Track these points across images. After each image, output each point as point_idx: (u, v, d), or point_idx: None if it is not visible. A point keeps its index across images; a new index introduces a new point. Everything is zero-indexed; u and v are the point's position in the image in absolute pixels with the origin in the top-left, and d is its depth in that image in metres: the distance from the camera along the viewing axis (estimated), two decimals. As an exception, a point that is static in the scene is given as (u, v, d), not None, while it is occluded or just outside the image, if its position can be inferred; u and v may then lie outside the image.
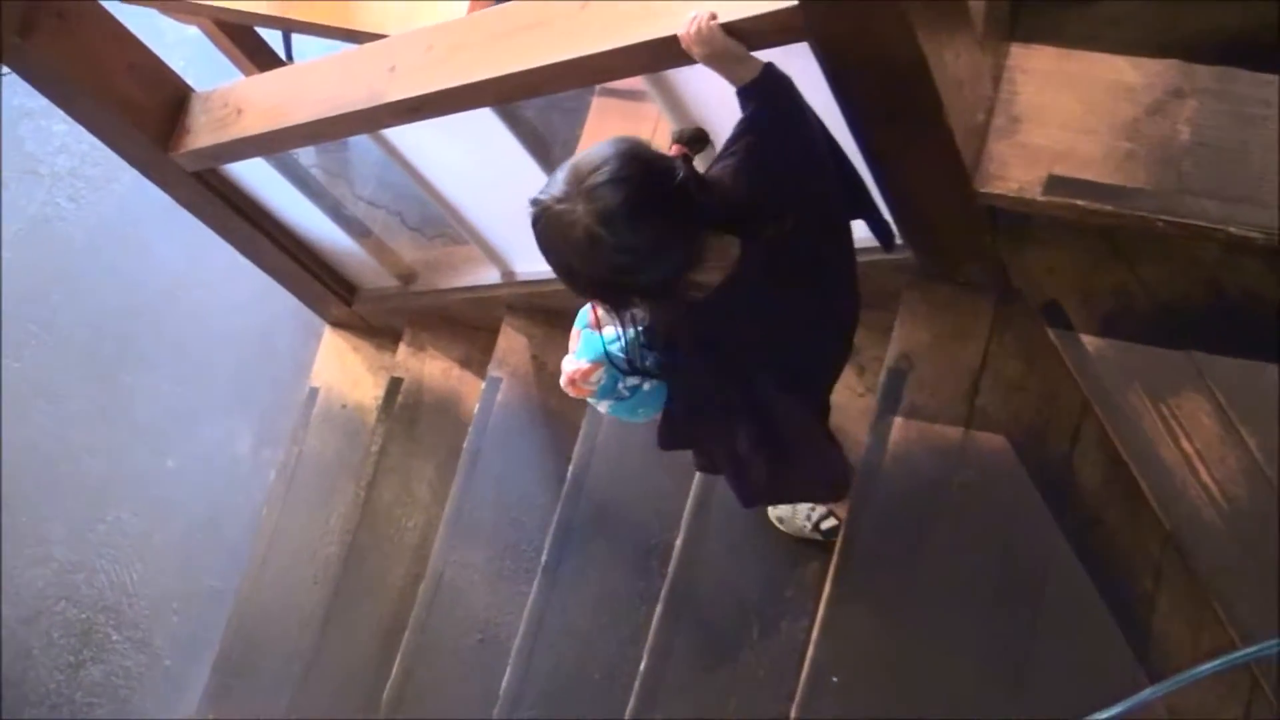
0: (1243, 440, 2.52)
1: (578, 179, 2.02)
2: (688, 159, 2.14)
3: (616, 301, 2.19)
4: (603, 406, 2.64)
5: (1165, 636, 2.69)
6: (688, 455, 2.97)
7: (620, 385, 2.55)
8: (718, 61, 2.26)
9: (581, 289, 2.17)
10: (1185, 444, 2.56)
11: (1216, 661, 1.38)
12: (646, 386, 2.57)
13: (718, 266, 2.18)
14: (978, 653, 2.81)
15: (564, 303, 3.71)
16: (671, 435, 2.75)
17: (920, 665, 2.74)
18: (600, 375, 2.52)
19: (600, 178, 2.00)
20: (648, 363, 2.42)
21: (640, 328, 2.31)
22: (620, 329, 2.35)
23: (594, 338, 2.49)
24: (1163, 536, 2.68)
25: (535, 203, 2.08)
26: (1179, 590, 2.68)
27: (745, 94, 2.27)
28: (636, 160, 2.04)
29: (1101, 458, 2.81)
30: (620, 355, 2.44)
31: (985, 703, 2.76)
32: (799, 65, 2.26)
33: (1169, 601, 2.69)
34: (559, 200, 2.02)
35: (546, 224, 2.06)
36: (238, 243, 3.98)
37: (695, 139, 2.18)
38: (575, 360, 2.55)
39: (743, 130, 2.25)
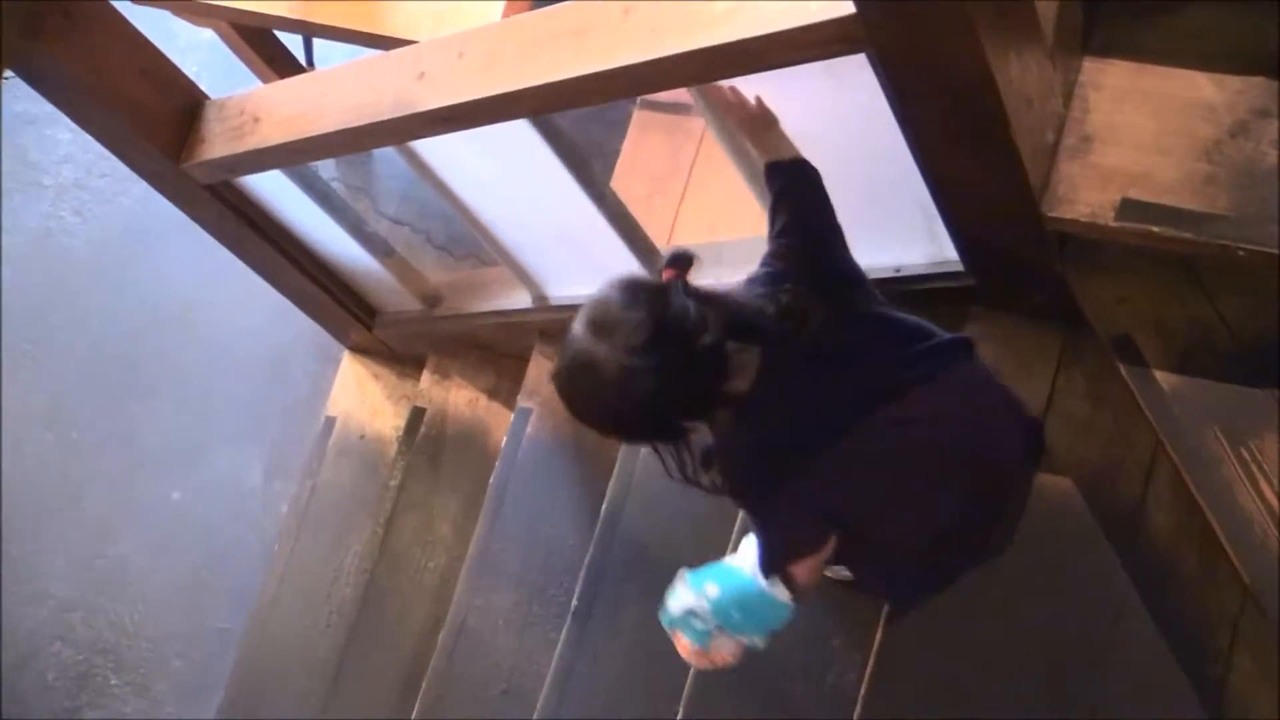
0: (1328, 488, 2.51)
1: (593, 324, 2.17)
2: (680, 279, 2.26)
3: (669, 433, 2.31)
4: (748, 639, 2.57)
5: (1242, 698, 2.68)
6: (728, 501, 3.00)
7: (721, 616, 2.53)
8: (754, 130, 2.50)
9: (633, 432, 2.40)
10: (1267, 491, 2.55)
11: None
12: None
13: (744, 374, 2.28)
14: (1040, 712, 2.80)
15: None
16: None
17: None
18: (699, 623, 2.52)
19: (614, 313, 2.16)
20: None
21: (705, 454, 2.39)
22: (680, 466, 2.39)
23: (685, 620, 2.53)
24: (1241, 590, 2.67)
25: (559, 372, 2.23)
26: (1258, 648, 2.67)
27: (777, 169, 2.52)
28: (638, 289, 2.20)
29: (1175, 504, 2.80)
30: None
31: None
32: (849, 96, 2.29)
33: (1248, 660, 2.68)
34: (581, 352, 2.16)
35: (577, 376, 2.20)
36: (252, 261, 4.01)
37: (682, 259, 2.30)
38: (683, 640, 2.57)
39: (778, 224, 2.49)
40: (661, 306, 2.17)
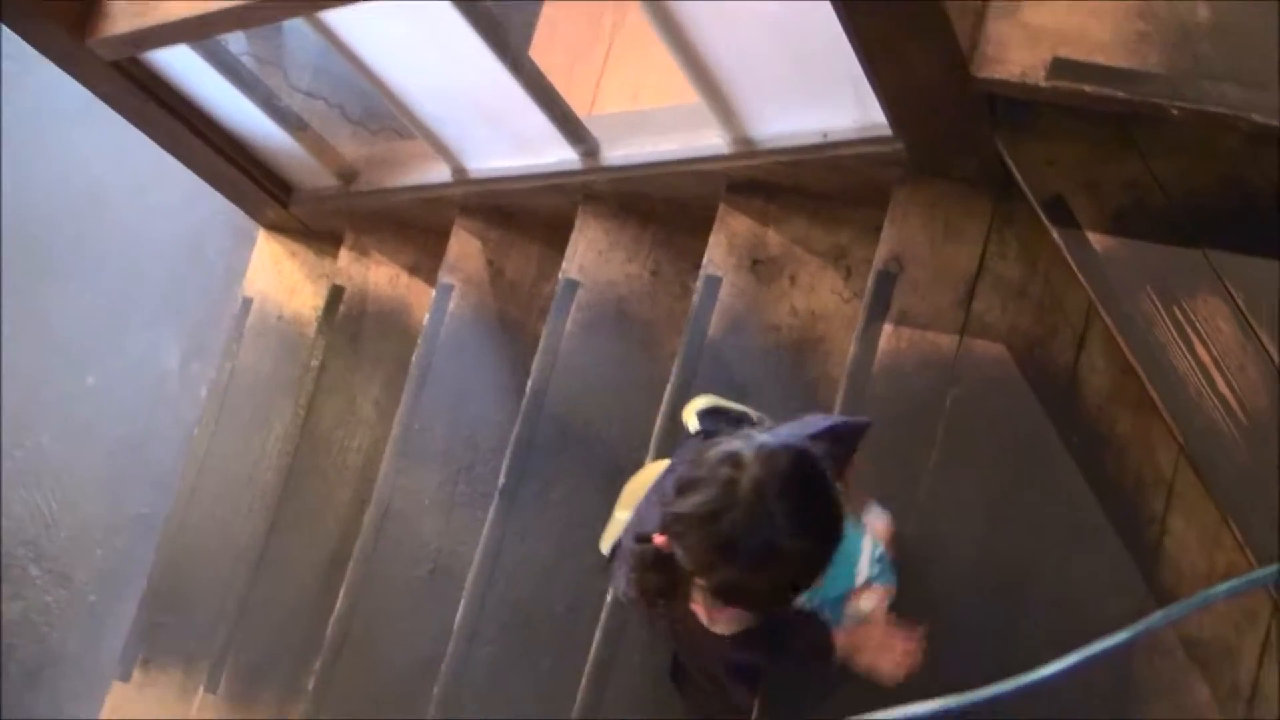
0: (1263, 347, 2.49)
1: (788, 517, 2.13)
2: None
3: None
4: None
5: (1177, 559, 2.68)
6: (657, 373, 3.01)
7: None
8: None
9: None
10: (1201, 351, 2.54)
11: (1231, 583, 1.36)
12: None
13: None
14: (973, 573, 2.80)
15: (522, 202, 3.69)
16: None
17: (911, 584, 2.73)
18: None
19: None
20: None
21: None
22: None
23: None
24: (1175, 452, 2.66)
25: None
26: (1192, 510, 2.67)
27: None
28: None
29: (1109, 367, 2.79)
30: None
31: (984, 625, 2.75)
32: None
33: (1182, 521, 2.69)
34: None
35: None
36: (162, 139, 3.91)
37: None
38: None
39: None
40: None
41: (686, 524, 2.15)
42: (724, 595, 2.26)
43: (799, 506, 2.12)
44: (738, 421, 2.86)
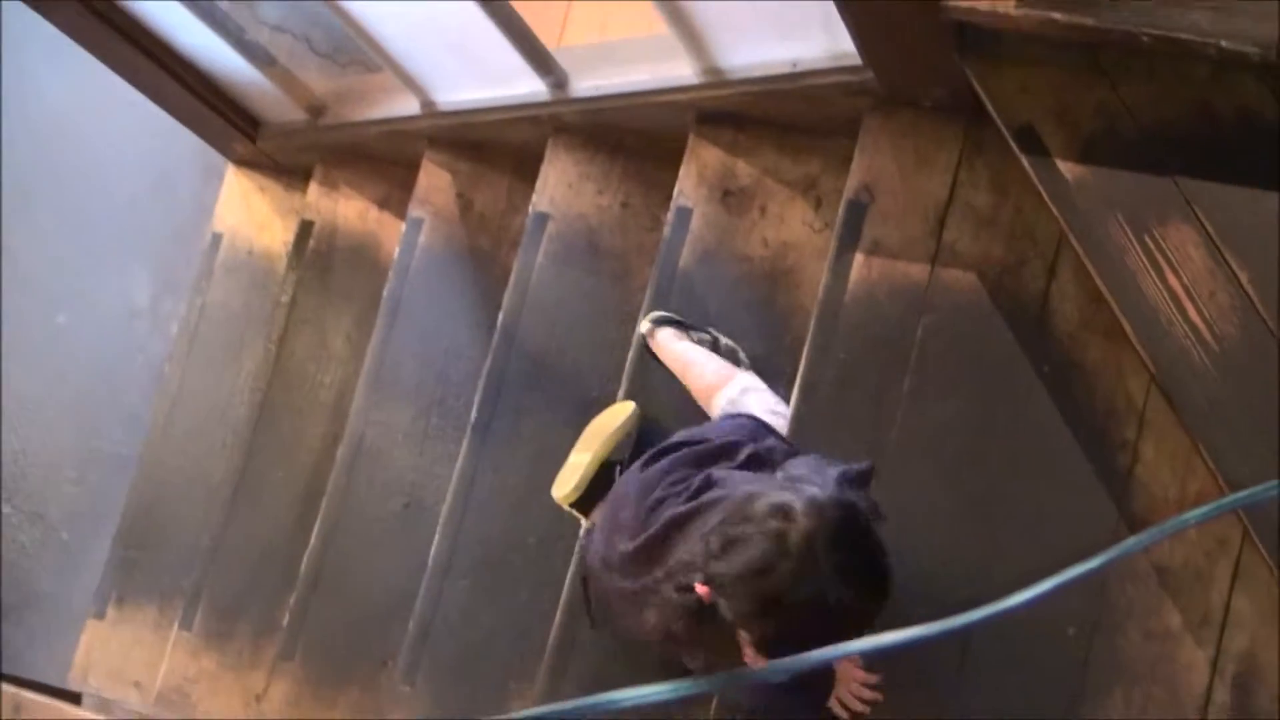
0: (1234, 274, 2.49)
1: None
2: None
3: None
4: None
5: (1148, 487, 2.69)
6: (629, 304, 3.03)
7: None
8: None
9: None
10: (1171, 279, 2.53)
11: (1202, 509, 1.35)
12: None
13: None
14: (946, 504, 2.80)
15: (492, 135, 3.67)
16: None
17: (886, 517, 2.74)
18: None
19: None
20: None
21: None
22: None
23: None
24: (1146, 380, 2.67)
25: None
26: (1163, 437, 2.67)
27: None
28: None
29: (1080, 295, 2.79)
30: None
31: (956, 554, 2.76)
32: None
33: (1153, 449, 2.69)
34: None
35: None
36: (127, 74, 3.88)
37: None
38: None
39: None
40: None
41: (735, 581, 2.14)
42: (769, 648, 2.23)
43: (849, 560, 2.12)
44: (687, 328, 2.98)
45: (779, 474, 2.43)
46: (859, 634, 2.19)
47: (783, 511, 2.11)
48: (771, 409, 2.97)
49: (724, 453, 2.63)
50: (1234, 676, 2.61)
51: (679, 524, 2.45)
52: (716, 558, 2.17)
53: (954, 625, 1.31)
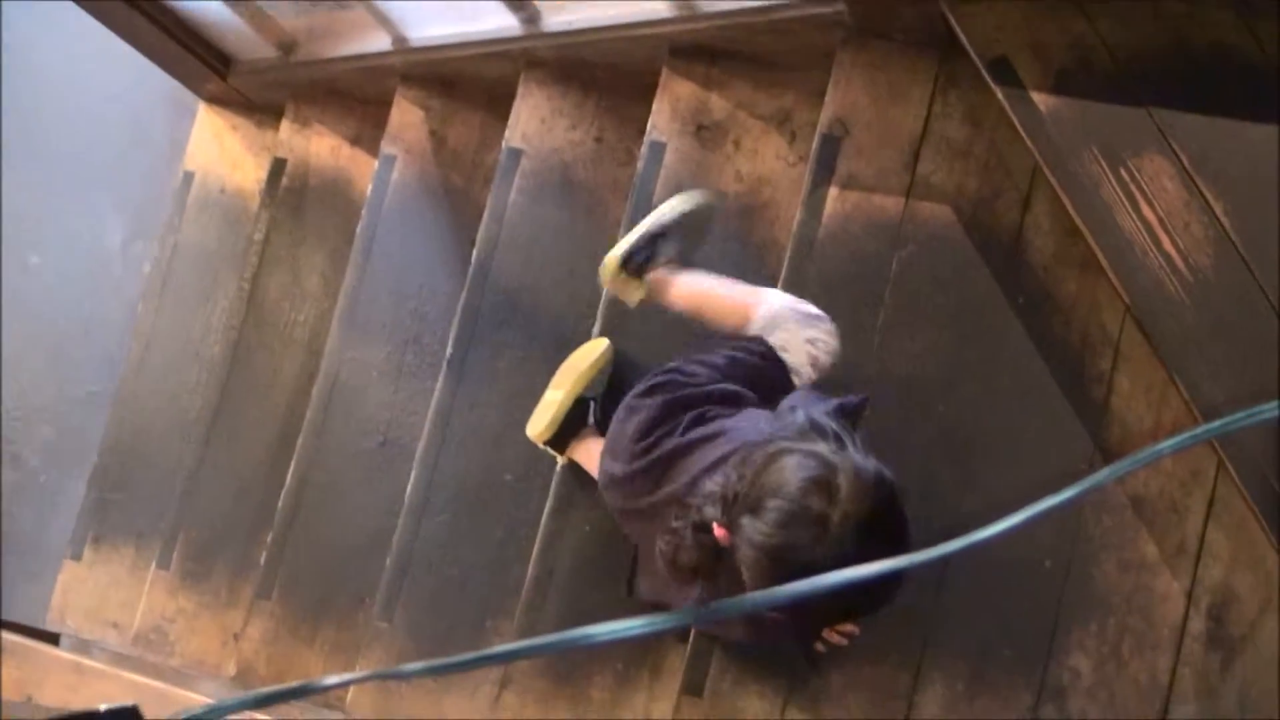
0: (1208, 205, 2.49)
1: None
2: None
3: None
4: None
5: (1123, 418, 2.70)
6: (603, 240, 3.04)
7: None
8: None
9: None
10: (1146, 210, 2.53)
11: (1175, 439, 1.35)
12: None
13: None
14: (921, 436, 2.81)
15: (464, 70, 3.64)
16: None
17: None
18: None
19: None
20: None
21: None
22: None
23: None
24: (1121, 312, 2.67)
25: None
26: (1138, 368, 2.68)
27: None
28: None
29: (1055, 228, 2.79)
30: None
31: (931, 487, 2.77)
32: None
33: (1128, 380, 2.70)
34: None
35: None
36: (97, 12, 3.84)
37: None
38: None
39: None
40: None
41: (764, 546, 2.10)
42: (779, 609, 2.19)
43: (881, 547, 2.00)
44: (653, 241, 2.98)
45: (782, 406, 2.42)
46: (872, 612, 2.21)
47: (825, 488, 2.07)
48: (808, 340, 2.76)
49: (724, 400, 2.61)
50: (1209, 607, 2.63)
51: (680, 455, 2.48)
52: (750, 515, 2.13)
53: (928, 557, 1.31)
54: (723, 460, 2.35)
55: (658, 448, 2.54)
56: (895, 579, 2.11)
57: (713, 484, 2.28)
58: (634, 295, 3.04)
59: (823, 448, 2.13)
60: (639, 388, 2.69)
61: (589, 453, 3.08)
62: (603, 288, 3.16)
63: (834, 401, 2.37)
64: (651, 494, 2.54)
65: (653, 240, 3.00)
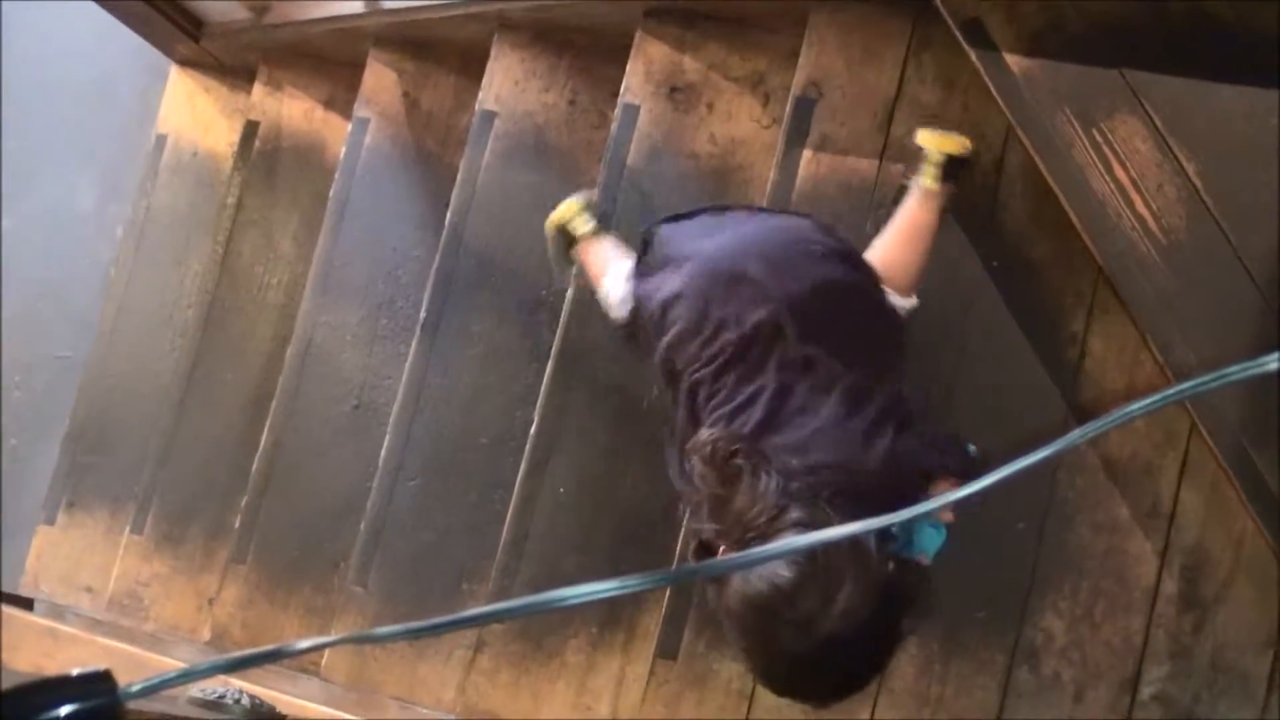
0: (1181, 166, 2.49)
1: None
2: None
3: None
4: None
5: (1097, 379, 2.71)
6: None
7: None
8: None
9: None
10: (1119, 172, 2.53)
11: (1147, 400, 1.34)
12: None
13: None
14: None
15: (437, 32, 3.62)
16: None
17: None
18: None
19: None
20: None
21: None
22: None
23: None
24: (1094, 273, 2.67)
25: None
26: (1111, 330, 2.69)
27: None
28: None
29: (1028, 189, 2.79)
30: None
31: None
32: None
33: (1101, 343, 2.71)
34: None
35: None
36: (65, -29, 3.82)
37: None
38: None
39: None
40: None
41: (736, 613, 2.02)
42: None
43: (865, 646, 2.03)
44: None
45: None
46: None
47: (822, 593, 1.95)
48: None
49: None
50: (1182, 568, 2.64)
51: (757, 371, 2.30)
52: (742, 575, 2.02)
53: (899, 518, 1.30)
54: (775, 457, 2.17)
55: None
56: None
57: (743, 497, 2.10)
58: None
59: (845, 546, 1.98)
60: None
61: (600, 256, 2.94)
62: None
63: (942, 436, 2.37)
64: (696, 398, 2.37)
65: None
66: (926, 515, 2.19)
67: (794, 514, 2.02)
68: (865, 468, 2.18)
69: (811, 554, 1.95)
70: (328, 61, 4.14)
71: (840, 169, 2.92)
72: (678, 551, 2.90)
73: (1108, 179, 2.53)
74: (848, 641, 1.96)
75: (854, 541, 1.97)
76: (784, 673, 2.06)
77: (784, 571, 1.95)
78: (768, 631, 1.99)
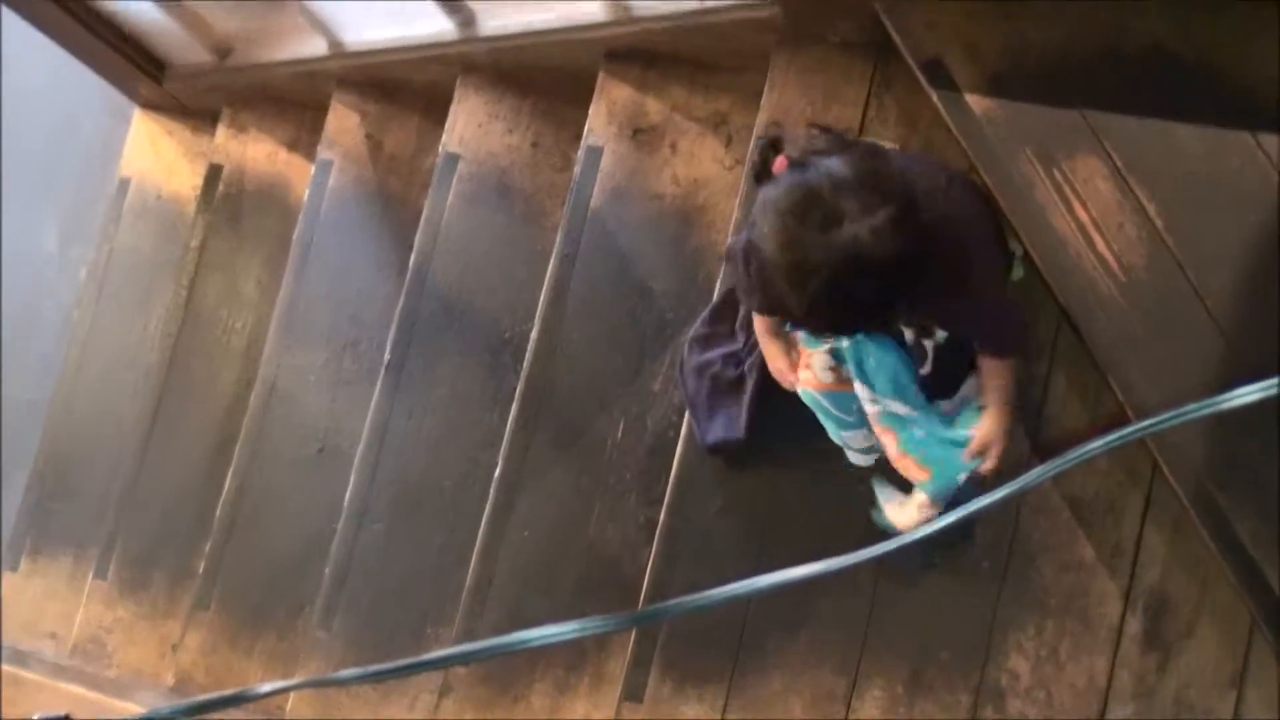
0: (1141, 206, 2.50)
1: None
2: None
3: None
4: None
5: (1059, 419, 2.71)
6: (541, 244, 3.18)
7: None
8: None
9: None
10: (1080, 212, 2.53)
11: (1108, 438, 1.35)
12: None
13: None
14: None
15: (400, 74, 3.63)
16: None
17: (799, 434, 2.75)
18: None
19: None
20: None
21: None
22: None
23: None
24: (1056, 313, 2.67)
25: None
26: (1074, 370, 2.69)
27: None
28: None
29: (989, 230, 2.79)
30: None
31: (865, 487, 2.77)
32: None
33: (1064, 382, 2.70)
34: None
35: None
36: (26, 13, 3.81)
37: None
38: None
39: None
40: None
41: (792, 188, 2.16)
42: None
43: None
44: None
45: None
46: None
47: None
48: None
49: None
50: (1145, 608, 2.64)
51: None
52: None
53: (854, 560, 1.31)
54: None
55: None
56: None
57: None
58: None
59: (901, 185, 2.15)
60: None
61: None
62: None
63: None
64: None
65: None
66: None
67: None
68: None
69: (874, 174, 2.11)
70: (291, 104, 4.14)
71: (803, 209, 2.92)
72: (643, 594, 2.90)
73: (1069, 218, 2.54)
74: (866, 261, 2.06)
75: (914, 190, 2.17)
76: (797, 277, 2.12)
77: (843, 169, 2.11)
78: (801, 221, 2.11)
